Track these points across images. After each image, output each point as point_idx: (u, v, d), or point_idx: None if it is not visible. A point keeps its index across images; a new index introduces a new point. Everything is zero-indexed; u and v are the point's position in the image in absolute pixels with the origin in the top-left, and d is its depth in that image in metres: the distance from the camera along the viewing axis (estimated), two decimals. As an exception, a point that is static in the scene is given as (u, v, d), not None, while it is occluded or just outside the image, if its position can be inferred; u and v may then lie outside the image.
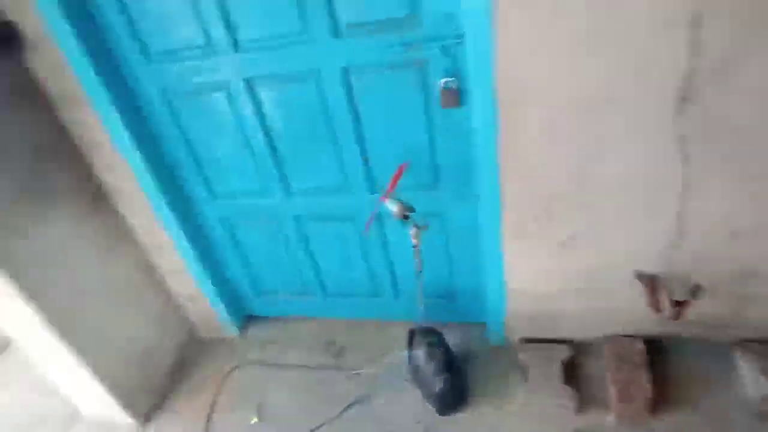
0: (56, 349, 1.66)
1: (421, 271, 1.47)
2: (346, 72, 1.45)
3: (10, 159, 1.48)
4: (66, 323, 1.63)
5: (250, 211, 1.87)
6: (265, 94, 1.55)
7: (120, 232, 1.86)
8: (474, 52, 1.25)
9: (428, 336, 1.65)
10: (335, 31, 1.38)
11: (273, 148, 1.66)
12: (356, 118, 1.53)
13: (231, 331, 2.20)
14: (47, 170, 1.59)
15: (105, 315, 1.79)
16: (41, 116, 1.57)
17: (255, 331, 2.24)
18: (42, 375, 1.91)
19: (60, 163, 1.63)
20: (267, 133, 1.63)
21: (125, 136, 1.62)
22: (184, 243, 1.90)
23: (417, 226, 1.35)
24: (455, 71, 1.36)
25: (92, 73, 1.50)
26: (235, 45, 1.47)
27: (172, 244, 1.92)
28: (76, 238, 1.69)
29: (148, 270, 1.99)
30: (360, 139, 1.57)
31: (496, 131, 1.35)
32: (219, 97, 1.59)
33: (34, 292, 1.53)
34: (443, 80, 1.37)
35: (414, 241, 1.38)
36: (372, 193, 1.69)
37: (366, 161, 1.62)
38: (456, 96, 1.38)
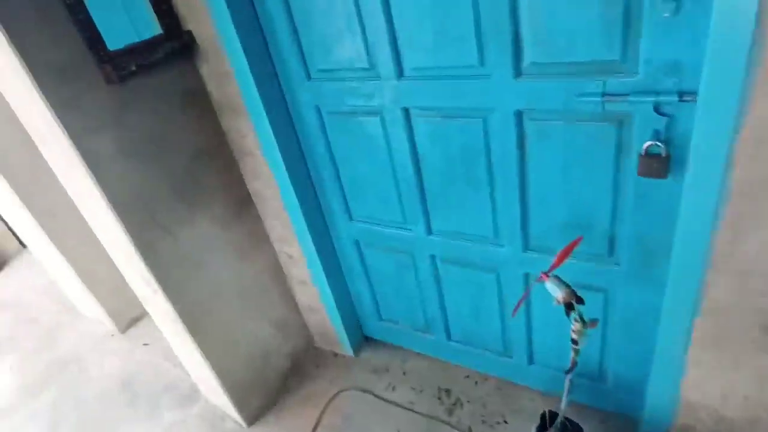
0: (185, 339, 1.73)
1: (574, 369, 1.20)
2: (520, 116, 1.21)
3: (174, 160, 1.53)
4: (196, 319, 1.68)
5: (384, 239, 1.75)
6: (422, 126, 1.39)
7: (257, 239, 1.87)
8: (707, 117, 0.93)
9: (565, 431, 1.39)
10: (517, 69, 1.15)
11: (420, 183, 1.50)
12: (522, 168, 1.29)
13: (345, 348, 2.14)
14: (202, 173, 1.62)
15: (232, 315, 1.83)
16: (205, 122, 1.60)
17: (369, 354, 2.15)
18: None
19: (214, 168, 1.65)
20: (417, 166, 1.47)
21: (274, 147, 1.59)
22: (314, 256, 1.85)
23: (583, 321, 1.09)
24: (668, 135, 1.05)
25: (253, 85, 1.46)
26: (399, 72, 1.31)
27: (303, 255, 1.89)
28: (218, 240, 1.72)
29: (277, 277, 2.00)
30: (522, 191, 1.33)
31: (715, 219, 1.02)
32: (372, 121, 1.46)
33: (172, 287, 1.59)
34: (648, 143, 1.06)
35: (574, 337, 1.12)
36: (523, 251, 1.45)
37: (524, 216, 1.38)
38: (662, 165, 1.07)
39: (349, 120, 1.50)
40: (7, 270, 3.71)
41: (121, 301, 2.65)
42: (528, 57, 1.12)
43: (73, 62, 1.26)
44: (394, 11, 1.22)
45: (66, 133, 1.28)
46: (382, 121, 1.44)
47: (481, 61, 1.18)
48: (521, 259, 1.47)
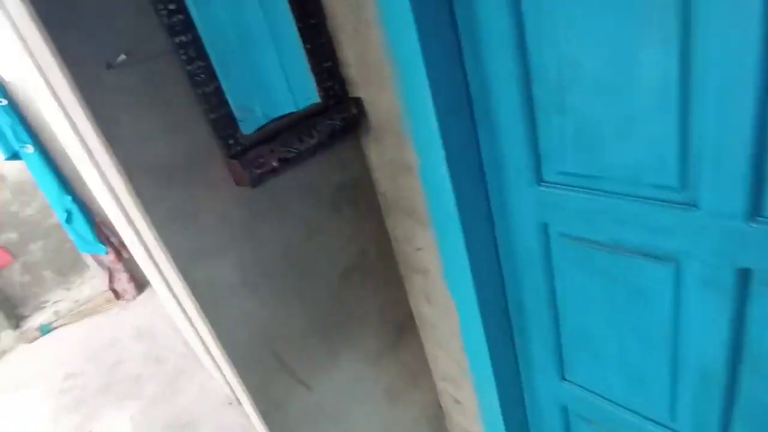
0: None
1: None
2: None
3: (316, 283, 1.05)
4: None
5: (618, 424, 1.09)
6: (776, 308, 0.71)
7: (415, 374, 1.33)
8: None
9: None
10: None
11: (731, 386, 0.82)
12: None
13: None
14: (353, 297, 1.12)
15: (372, 475, 1.31)
16: (363, 225, 1.09)
17: None
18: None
19: (369, 287, 1.14)
20: (732, 361, 0.80)
21: (465, 270, 1.02)
22: (495, 408, 1.26)
23: None
24: None
25: (448, 184, 0.92)
26: (754, 207, 0.66)
27: (476, 404, 1.31)
28: (365, 381, 1.21)
29: (435, 422, 1.44)
30: None
31: None
32: (654, 270, 0.82)
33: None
34: None
35: None
36: None
37: None
38: None
39: (603, 255, 0.88)
40: (149, 291, 3.72)
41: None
42: None
43: (189, 158, 0.82)
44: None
45: (171, 258, 0.85)
46: (677, 274, 0.79)
47: None
48: None
